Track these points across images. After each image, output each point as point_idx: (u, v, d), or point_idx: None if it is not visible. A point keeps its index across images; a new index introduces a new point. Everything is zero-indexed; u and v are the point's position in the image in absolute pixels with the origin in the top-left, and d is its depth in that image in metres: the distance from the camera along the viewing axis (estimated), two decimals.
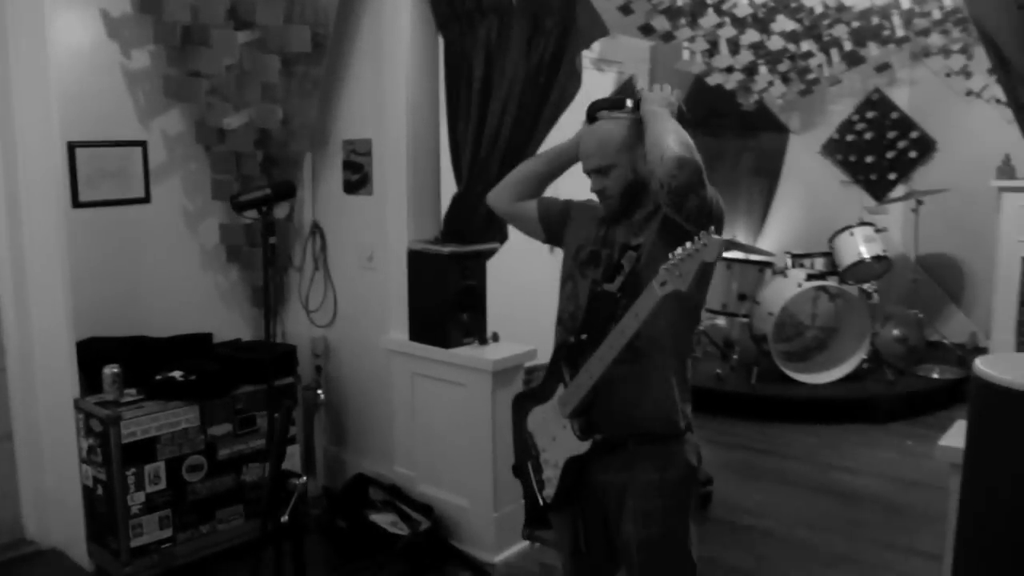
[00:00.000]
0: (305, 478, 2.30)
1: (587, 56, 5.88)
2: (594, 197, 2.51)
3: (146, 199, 4.04)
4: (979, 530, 2.08)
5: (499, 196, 2.66)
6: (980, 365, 2.02)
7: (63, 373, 3.59)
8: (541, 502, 2.53)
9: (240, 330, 4.38)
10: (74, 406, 3.57)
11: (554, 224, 2.58)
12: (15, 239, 3.68)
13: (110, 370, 3.51)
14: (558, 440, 2.42)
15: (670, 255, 2.05)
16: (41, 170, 3.56)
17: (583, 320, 2.39)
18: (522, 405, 2.59)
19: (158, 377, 3.58)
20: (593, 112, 2.41)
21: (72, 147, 3.76)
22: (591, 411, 2.35)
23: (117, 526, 3.42)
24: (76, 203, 3.81)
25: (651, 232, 2.34)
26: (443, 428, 3.85)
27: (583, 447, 2.35)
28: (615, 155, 2.33)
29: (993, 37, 2.55)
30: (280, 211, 4.23)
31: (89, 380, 3.64)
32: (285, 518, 2.25)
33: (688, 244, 2.03)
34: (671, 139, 2.15)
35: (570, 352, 2.39)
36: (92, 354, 3.69)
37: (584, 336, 2.35)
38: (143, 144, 3.99)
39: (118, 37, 3.87)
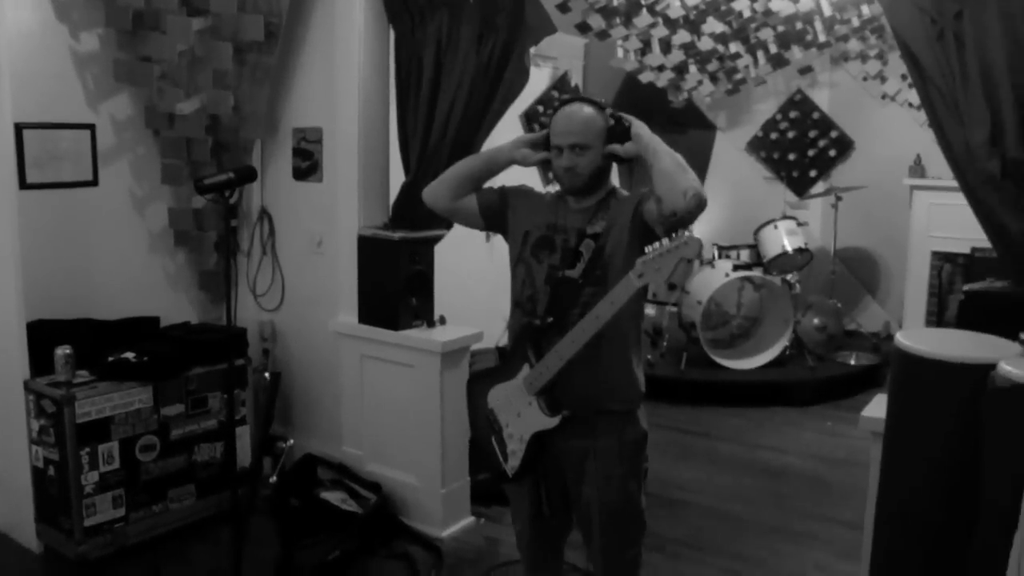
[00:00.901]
0: (292, 441, 2.40)
1: None
2: (528, 183, 2.69)
3: (94, 182, 4.05)
4: (899, 488, 2.31)
5: (438, 195, 2.73)
6: (900, 338, 2.25)
7: (13, 354, 3.60)
8: (508, 474, 2.68)
9: (187, 314, 4.42)
10: (24, 387, 3.58)
11: (495, 214, 2.71)
12: None
13: (62, 351, 3.53)
14: (523, 416, 2.58)
15: (647, 248, 2.20)
16: None
17: (548, 305, 2.55)
18: (480, 383, 2.74)
19: (111, 358, 3.62)
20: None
21: (19, 128, 3.75)
22: (554, 389, 2.52)
23: (70, 506, 3.45)
24: (23, 185, 3.80)
25: (611, 222, 2.51)
26: (391, 408, 3.97)
27: (552, 422, 2.51)
28: (594, 138, 2.49)
29: (909, 45, 2.79)
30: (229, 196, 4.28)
31: (36, 362, 3.65)
32: (274, 478, 2.35)
33: (666, 240, 2.18)
34: (691, 177, 2.31)
35: (534, 334, 2.55)
36: (41, 335, 3.70)
37: (550, 319, 2.51)
38: (91, 127, 4.01)
39: (67, 19, 3.87)
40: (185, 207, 4.23)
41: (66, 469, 3.43)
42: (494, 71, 3.62)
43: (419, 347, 3.79)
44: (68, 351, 3.54)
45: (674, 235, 2.18)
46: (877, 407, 2.82)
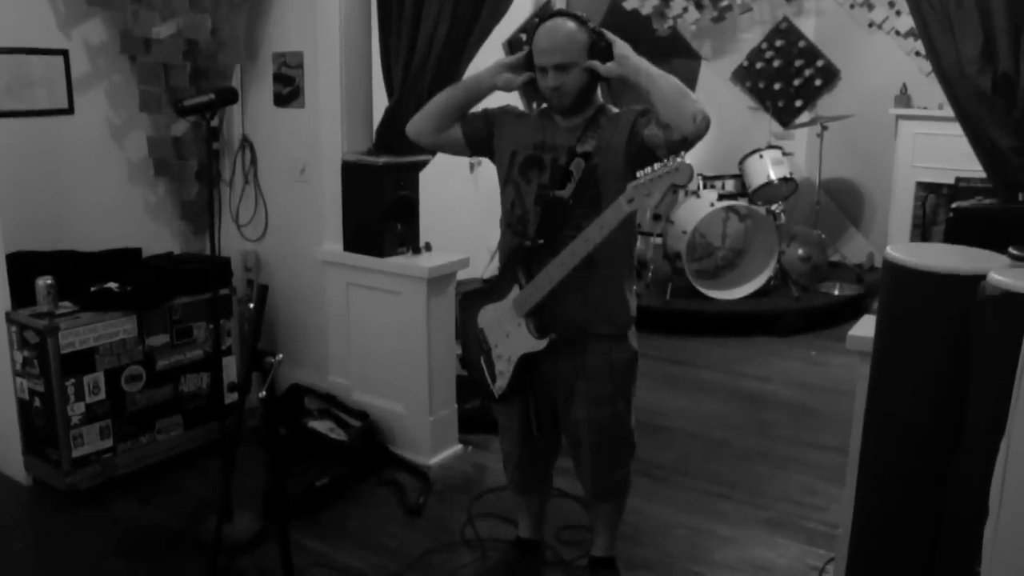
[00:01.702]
0: (281, 355, 2.39)
1: None
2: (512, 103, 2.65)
3: (69, 110, 3.96)
4: (887, 403, 2.32)
5: (421, 129, 2.70)
6: (891, 251, 2.24)
7: None
8: (495, 394, 2.69)
9: (169, 244, 4.37)
10: (6, 319, 3.54)
11: (481, 140, 2.67)
12: None
13: (44, 281, 3.48)
14: (512, 337, 2.57)
15: (638, 173, 2.18)
16: None
17: (538, 225, 2.52)
18: (472, 302, 2.72)
19: (93, 288, 3.57)
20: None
21: None
22: (544, 311, 2.51)
23: (57, 437, 3.44)
24: None
25: (603, 141, 2.47)
26: (378, 336, 3.96)
27: (539, 345, 2.51)
28: (577, 54, 2.44)
29: None
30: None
31: (16, 294, 3.60)
32: (263, 394, 2.35)
33: (656, 165, 2.15)
34: (694, 99, 2.30)
35: (525, 255, 2.53)
36: (20, 267, 3.65)
37: (541, 241, 2.49)
38: (64, 53, 3.90)
39: None
40: (164, 135, 4.14)
41: (52, 400, 3.41)
42: None
43: (405, 274, 3.76)
44: (50, 281, 3.49)
45: (666, 160, 2.16)
46: (864, 327, 2.81)
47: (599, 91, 2.60)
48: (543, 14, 2.56)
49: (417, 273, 3.71)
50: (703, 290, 6.07)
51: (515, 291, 2.55)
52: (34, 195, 3.87)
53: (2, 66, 3.72)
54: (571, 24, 2.46)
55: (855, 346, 2.74)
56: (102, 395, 3.53)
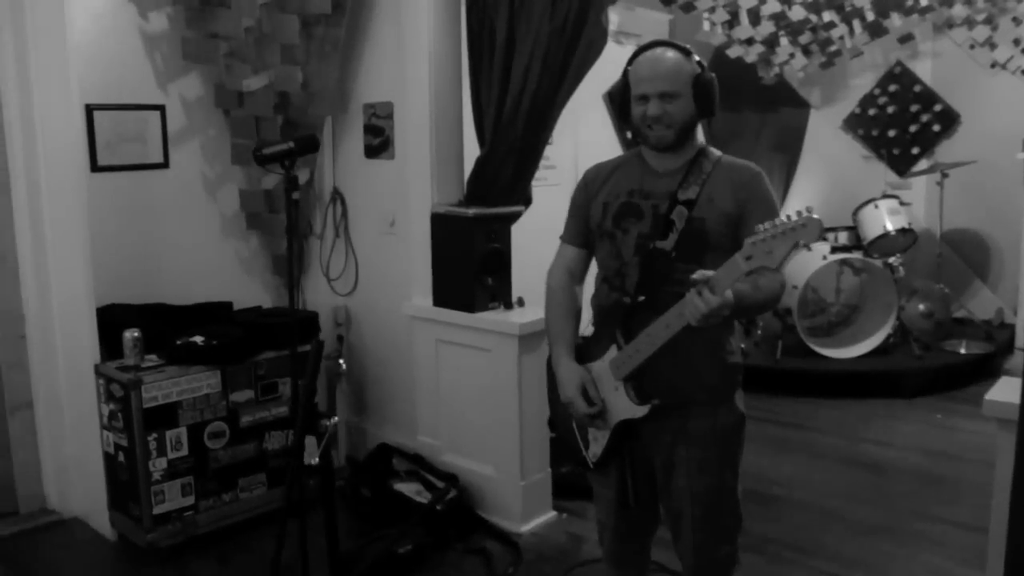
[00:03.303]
0: (336, 418, 2.22)
1: None
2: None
3: (165, 164, 3.98)
4: None
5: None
6: None
7: (83, 339, 3.54)
8: (589, 461, 2.47)
9: (260, 298, 4.32)
10: (95, 372, 3.51)
11: (592, 224, 2.47)
12: (34, 204, 3.63)
13: (131, 334, 3.45)
14: (609, 402, 2.35)
15: (757, 227, 1.95)
16: (59, 134, 3.50)
17: (637, 281, 2.31)
18: None
19: (179, 341, 3.52)
20: None
21: (90, 110, 3.70)
22: (645, 374, 2.28)
23: (139, 492, 3.37)
24: (95, 167, 3.75)
25: (706, 191, 2.27)
26: (468, 395, 3.78)
27: (639, 411, 2.29)
28: (683, 84, 2.25)
29: None
30: (300, 176, 4.15)
31: (108, 347, 3.58)
32: (316, 460, 2.18)
33: (780, 219, 1.92)
34: (781, 290, 2.29)
35: (624, 313, 2.31)
36: (111, 321, 3.64)
37: (641, 298, 2.27)
38: (161, 108, 3.93)
39: None
40: (256, 188, 4.12)
41: (134, 455, 3.34)
42: (570, 32, 3.39)
43: (495, 330, 3.58)
44: (136, 334, 3.46)
45: (793, 214, 1.91)
46: (1005, 390, 2.49)
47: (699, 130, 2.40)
48: (646, 44, 2.36)
49: (508, 329, 3.53)
50: (816, 348, 5.70)
51: (612, 351, 2.33)
52: (128, 249, 3.88)
53: (103, 122, 3.76)
54: (676, 53, 2.29)
55: (994, 412, 2.43)
56: (184, 451, 3.45)
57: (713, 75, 2.31)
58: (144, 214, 3.94)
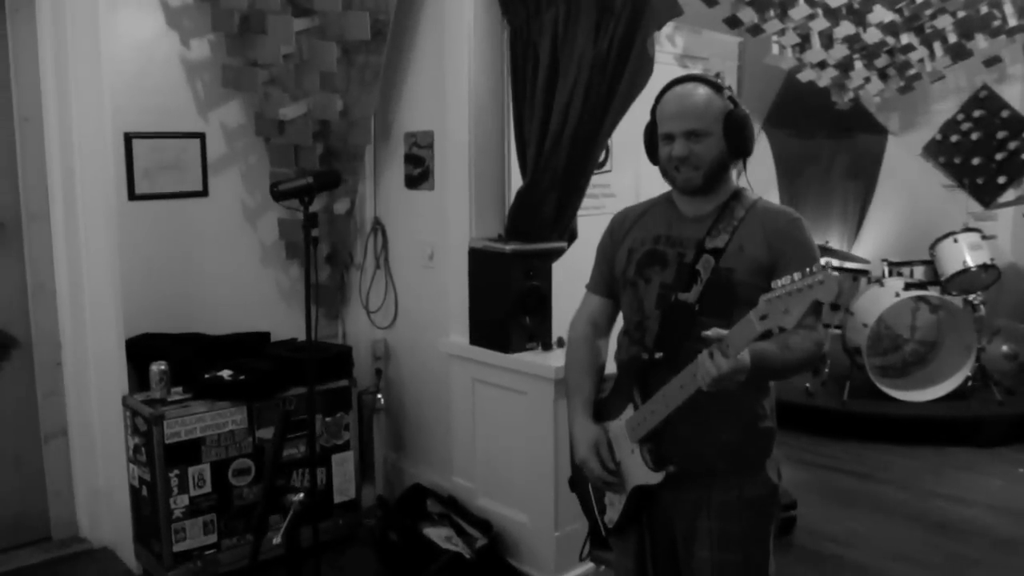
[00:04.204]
0: (302, 495, 2.07)
1: (671, 52, 5.61)
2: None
3: (204, 192, 3.93)
4: None
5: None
6: None
7: (113, 369, 3.50)
8: (602, 528, 2.29)
9: (298, 329, 4.18)
10: (122, 403, 3.46)
11: (617, 271, 2.29)
12: (71, 232, 3.61)
13: (157, 367, 3.38)
14: (625, 465, 2.17)
15: (773, 283, 1.75)
16: (96, 162, 3.47)
17: (657, 335, 2.12)
18: None
19: (206, 376, 3.44)
20: None
21: (129, 138, 3.67)
22: (663, 437, 2.09)
23: (160, 529, 3.29)
24: (132, 195, 3.72)
25: (738, 239, 2.07)
26: (503, 438, 3.61)
27: (655, 478, 2.09)
28: (712, 122, 2.08)
29: None
30: (340, 206, 4.07)
31: (142, 377, 3.54)
32: (278, 540, 2.03)
33: (797, 275, 1.72)
34: (818, 348, 2.09)
35: (642, 369, 2.13)
36: (145, 350, 3.59)
37: (659, 355, 2.08)
38: (201, 136, 3.89)
39: (177, 27, 3.77)
40: (295, 217, 4.02)
41: (156, 490, 3.27)
42: (614, 62, 3.20)
43: (531, 372, 3.40)
44: (163, 367, 3.39)
45: (808, 271, 1.71)
46: None
47: (733, 172, 2.19)
48: (674, 80, 2.17)
49: (543, 372, 3.35)
50: (887, 390, 5.36)
51: (629, 411, 2.14)
52: (166, 277, 3.84)
53: (141, 151, 3.73)
54: (705, 88, 2.11)
55: None
56: (207, 488, 3.36)
57: (747, 111, 2.12)
58: (182, 243, 3.89)
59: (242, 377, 3.45)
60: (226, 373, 3.45)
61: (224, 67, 3.82)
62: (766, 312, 1.74)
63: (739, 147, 2.11)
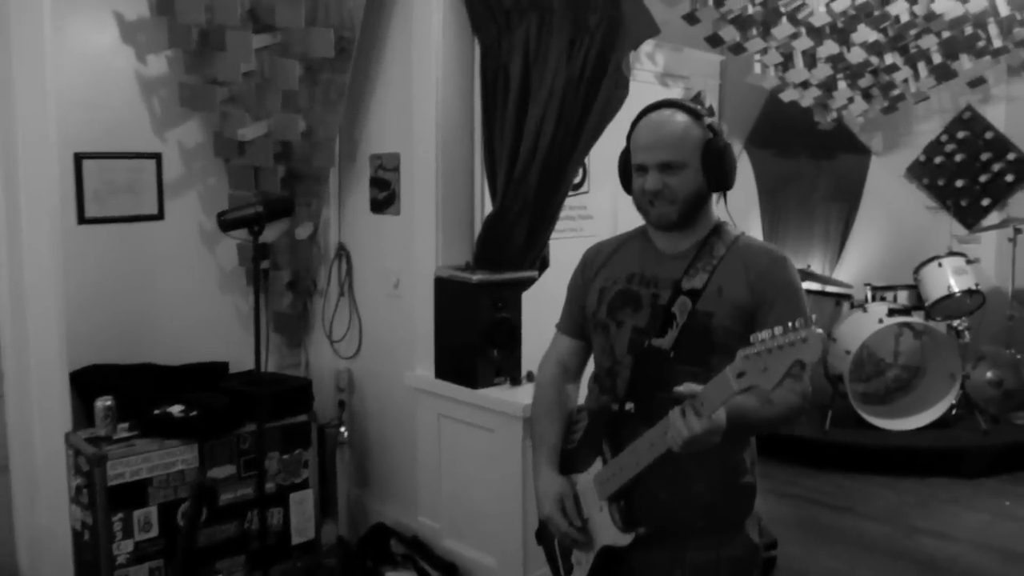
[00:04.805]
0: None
1: (652, 70, 5.47)
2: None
3: (159, 216, 3.75)
4: None
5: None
6: None
7: (55, 403, 3.30)
8: None
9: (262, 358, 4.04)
10: (65, 441, 3.26)
11: (588, 312, 2.12)
12: (14, 257, 3.40)
13: (103, 403, 3.19)
14: (593, 522, 2.00)
15: (753, 337, 1.59)
16: (41, 183, 3.27)
17: (628, 383, 1.96)
18: None
19: (155, 412, 3.25)
20: None
21: (79, 158, 3.49)
22: (634, 494, 1.92)
23: None
24: (82, 219, 3.54)
25: (717, 278, 1.91)
26: (471, 477, 3.44)
27: (623, 540, 1.93)
28: (690, 154, 1.92)
29: None
30: (303, 230, 3.89)
31: (89, 411, 3.33)
32: None
33: (778, 330, 1.56)
34: (794, 411, 1.91)
35: (611, 421, 1.96)
36: (93, 383, 3.40)
37: (630, 406, 1.92)
38: (157, 156, 3.71)
39: (133, 42, 3.60)
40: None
41: (98, 536, 3.07)
42: (588, 82, 3.06)
43: (499, 409, 3.24)
44: (109, 403, 3.19)
45: (791, 325, 1.55)
46: None
47: (713, 203, 2.04)
48: (650, 105, 2.00)
49: (511, 410, 3.18)
50: (870, 418, 5.22)
51: (598, 465, 1.97)
52: (118, 305, 3.66)
53: (92, 171, 3.54)
54: (683, 116, 1.94)
55: None
56: (154, 532, 3.16)
57: (728, 143, 1.96)
58: (136, 269, 3.71)
59: (193, 413, 3.26)
60: (176, 409, 3.26)
61: (182, 85, 3.64)
62: (744, 369, 1.58)
63: (719, 180, 1.95)
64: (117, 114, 3.59)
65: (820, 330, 1.52)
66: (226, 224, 2.49)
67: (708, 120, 1.96)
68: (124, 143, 3.62)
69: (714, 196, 2.01)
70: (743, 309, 1.90)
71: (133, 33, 3.59)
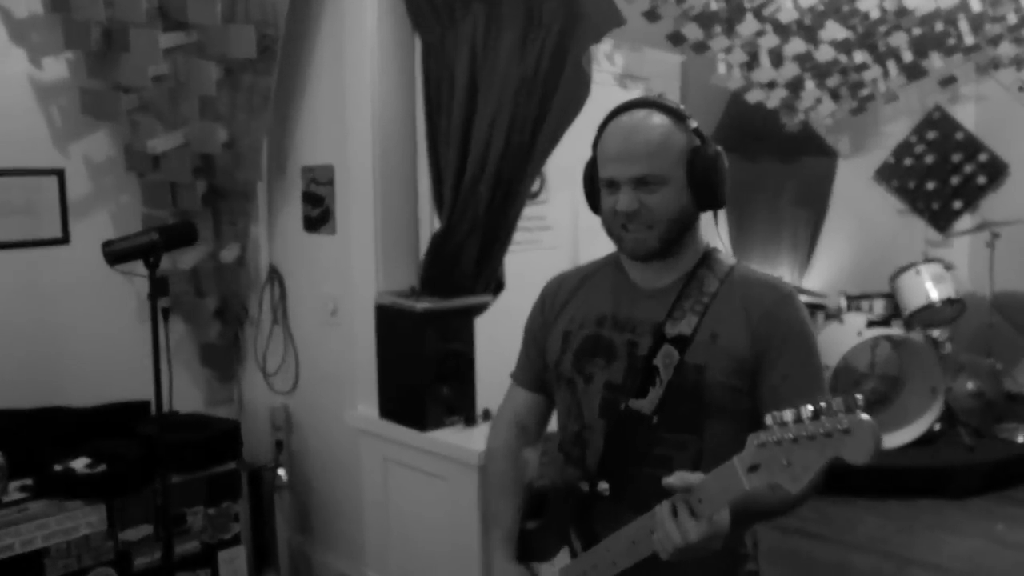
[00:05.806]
0: None
1: (610, 71, 5.14)
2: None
3: (64, 240, 3.32)
4: None
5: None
6: None
7: None
8: None
9: (186, 395, 3.60)
10: None
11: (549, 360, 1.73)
12: None
13: None
14: None
15: (771, 418, 1.20)
16: None
17: (601, 455, 1.57)
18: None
19: (56, 467, 2.82)
20: None
21: None
22: None
23: None
24: None
25: (709, 320, 1.53)
26: (422, 527, 3.05)
27: None
28: (672, 166, 1.53)
29: None
30: (229, 253, 3.48)
31: None
32: None
33: (807, 410, 1.16)
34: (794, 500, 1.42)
35: (581, 504, 1.58)
36: None
37: (604, 485, 1.54)
38: (60, 173, 3.28)
39: (25, 42, 3.17)
40: (177, 268, 3.44)
41: None
42: (544, 81, 2.69)
43: (451, 455, 2.85)
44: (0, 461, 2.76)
45: (825, 406, 1.16)
46: None
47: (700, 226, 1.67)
48: (621, 105, 1.59)
49: (465, 457, 2.79)
50: None
51: (564, 556, 1.60)
52: (18, 341, 3.23)
53: None
54: (662, 118, 1.55)
55: None
56: None
57: (718, 150, 1.58)
58: (37, 300, 3.28)
59: (101, 468, 2.83)
60: (81, 463, 2.84)
61: (83, 91, 3.22)
62: (758, 461, 1.20)
63: (709, 197, 1.56)
64: (10, 125, 3.16)
65: (868, 417, 1.13)
66: (113, 256, 2.09)
67: (694, 123, 1.59)
68: (19, 158, 3.19)
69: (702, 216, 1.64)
70: (742, 360, 1.52)
71: (25, 32, 3.16)
